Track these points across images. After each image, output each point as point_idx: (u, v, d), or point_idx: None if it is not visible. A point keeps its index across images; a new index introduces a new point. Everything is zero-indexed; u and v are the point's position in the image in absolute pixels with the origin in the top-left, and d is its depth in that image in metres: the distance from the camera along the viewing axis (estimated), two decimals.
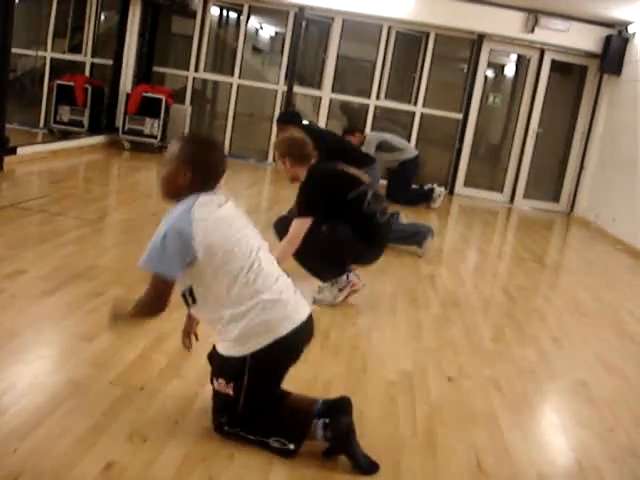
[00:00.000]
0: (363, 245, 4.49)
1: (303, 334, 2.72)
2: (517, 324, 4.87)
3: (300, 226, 4.27)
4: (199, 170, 2.63)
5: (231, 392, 2.62)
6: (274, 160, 4.62)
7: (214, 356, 2.74)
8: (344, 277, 4.51)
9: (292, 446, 2.61)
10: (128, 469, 2.40)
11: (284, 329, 2.61)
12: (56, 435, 2.54)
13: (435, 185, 9.25)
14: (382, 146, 8.59)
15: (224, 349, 2.66)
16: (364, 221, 4.44)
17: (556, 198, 11.15)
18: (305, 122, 6.49)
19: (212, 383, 2.72)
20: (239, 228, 2.66)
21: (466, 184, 11.15)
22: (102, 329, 3.50)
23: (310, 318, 2.76)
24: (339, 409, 2.69)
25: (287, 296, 2.68)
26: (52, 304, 3.87)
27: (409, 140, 10.57)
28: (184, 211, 2.54)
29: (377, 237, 4.57)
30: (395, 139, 9.19)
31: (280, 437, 2.62)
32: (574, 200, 10.87)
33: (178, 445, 2.58)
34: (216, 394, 2.70)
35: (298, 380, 3.29)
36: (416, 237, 6.28)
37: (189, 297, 2.64)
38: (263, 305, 2.58)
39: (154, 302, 2.57)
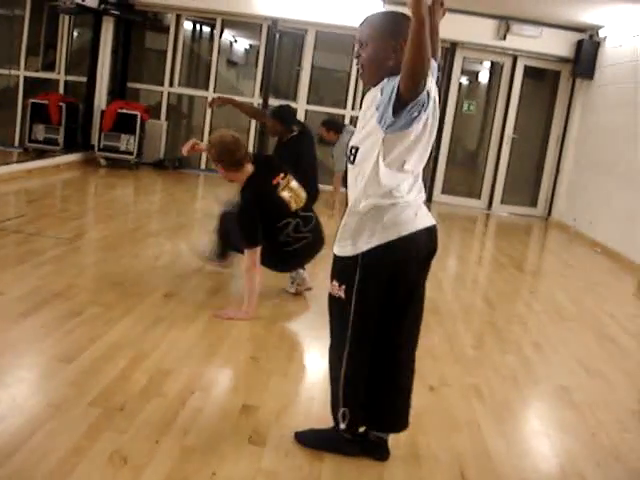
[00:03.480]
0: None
1: (420, 244, 2.64)
2: (498, 331, 4.88)
3: (251, 257, 4.34)
4: (403, 40, 2.38)
5: (343, 295, 2.58)
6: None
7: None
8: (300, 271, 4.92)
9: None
10: None
11: (404, 230, 2.54)
12: (36, 458, 2.51)
13: None
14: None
15: (339, 249, 2.60)
16: (278, 247, 4.58)
17: (533, 203, 11.22)
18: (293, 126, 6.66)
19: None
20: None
21: (443, 191, 11.20)
22: (81, 350, 3.50)
23: (433, 230, 2.70)
24: None
25: (417, 202, 2.64)
26: (30, 326, 3.83)
27: None
28: None
29: (291, 261, 4.82)
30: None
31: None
32: (551, 204, 10.94)
33: (159, 465, 2.56)
34: (330, 300, 2.67)
35: (280, 395, 3.30)
36: None
37: (352, 154, 2.55)
38: (402, 206, 2.55)
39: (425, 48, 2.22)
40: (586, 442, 3.26)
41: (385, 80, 2.45)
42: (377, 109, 2.40)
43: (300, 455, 2.76)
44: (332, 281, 2.63)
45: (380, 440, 2.80)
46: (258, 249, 4.33)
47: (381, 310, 2.62)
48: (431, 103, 2.41)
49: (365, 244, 2.52)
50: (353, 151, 2.55)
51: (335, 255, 2.61)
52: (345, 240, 2.56)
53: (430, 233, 2.66)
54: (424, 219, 2.64)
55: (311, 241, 4.70)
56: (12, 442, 2.59)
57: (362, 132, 2.52)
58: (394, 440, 2.95)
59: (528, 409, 3.75)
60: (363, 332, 2.61)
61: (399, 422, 2.81)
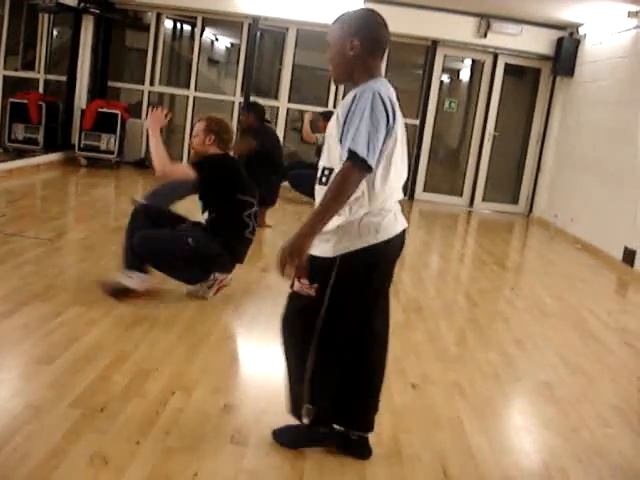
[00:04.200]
0: (228, 257, 4.64)
1: (395, 247, 2.66)
2: (480, 328, 4.89)
3: (178, 167, 4.75)
4: (368, 36, 2.54)
5: (313, 292, 2.54)
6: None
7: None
8: (211, 276, 4.60)
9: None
10: None
11: (385, 235, 2.55)
12: (16, 461, 2.49)
13: None
14: None
15: (316, 249, 2.52)
16: (238, 227, 4.59)
17: (515, 200, 11.26)
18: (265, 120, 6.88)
19: (290, 287, 2.65)
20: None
21: (425, 189, 11.22)
22: (61, 351, 3.47)
23: (406, 231, 2.71)
24: None
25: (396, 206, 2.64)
26: (9, 327, 3.80)
27: None
28: (379, 84, 2.47)
29: (241, 250, 4.72)
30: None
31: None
32: (532, 201, 10.98)
33: (141, 466, 2.54)
34: (293, 297, 2.63)
35: (261, 394, 3.29)
36: None
37: (324, 176, 2.52)
38: (385, 213, 2.55)
39: (347, 188, 2.37)
40: (568, 438, 3.27)
41: (349, 96, 2.47)
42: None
43: (282, 454, 2.75)
44: (299, 279, 2.57)
45: (361, 439, 2.79)
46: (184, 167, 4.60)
47: (353, 311, 2.63)
48: (394, 134, 2.48)
49: (344, 247, 2.51)
50: (327, 172, 2.52)
51: (310, 255, 2.53)
52: (323, 241, 2.52)
53: (404, 234, 2.68)
54: (401, 221, 2.65)
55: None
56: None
57: (334, 153, 2.49)
58: (376, 438, 2.95)
59: (510, 406, 3.76)
60: (333, 331, 2.60)
61: (368, 420, 2.80)
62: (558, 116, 10.56)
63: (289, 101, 11.10)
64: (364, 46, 2.52)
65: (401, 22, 10.17)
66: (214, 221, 4.54)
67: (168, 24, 11.43)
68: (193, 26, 11.15)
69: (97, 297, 4.37)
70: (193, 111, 11.07)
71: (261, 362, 3.75)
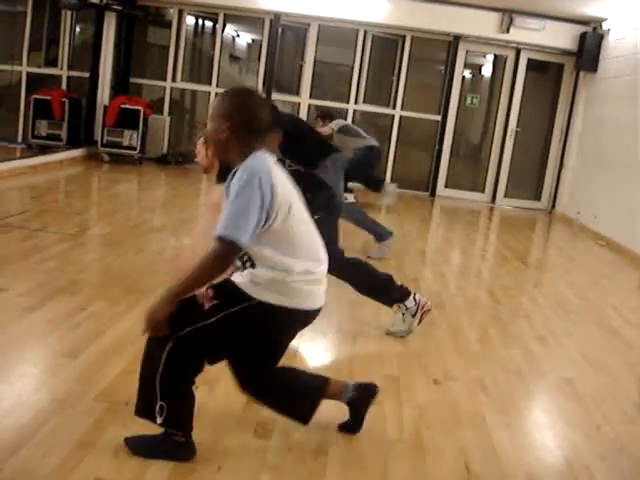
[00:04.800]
0: None
1: (307, 321, 2.68)
2: (502, 324, 4.88)
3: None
4: (240, 121, 2.50)
5: (207, 306, 2.49)
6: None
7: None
8: (411, 300, 4.20)
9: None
10: None
11: (308, 305, 2.57)
12: (42, 454, 2.51)
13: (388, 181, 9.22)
14: (343, 129, 8.43)
15: (242, 281, 2.51)
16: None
17: (537, 196, 11.21)
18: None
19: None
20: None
21: (447, 185, 11.19)
22: (86, 344, 3.51)
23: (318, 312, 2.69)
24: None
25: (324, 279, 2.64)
26: (35, 321, 3.84)
27: (389, 143, 10.64)
28: (259, 160, 2.45)
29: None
30: (358, 128, 9.03)
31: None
32: (555, 198, 10.93)
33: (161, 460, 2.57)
34: (186, 300, 2.50)
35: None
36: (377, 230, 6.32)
37: (247, 262, 2.55)
38: (311, 277, 2.54)
39: (217, 266, 2.42)
40: (590, 434, 3.26)
41: (232, 175, 2.47)
42: None
43: (305, 449, 2.76)
44: (208, 288, 2.52)
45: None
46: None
47: (228, 345, 2.62)
48: (278, 208, 2.42)
49: (261, 294, 2.49)
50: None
51: (234, 280, 2.54)
52: (254, 282, 2.50)
53: (315, 314, 2.66)
54: (320, 300, 2.63)
55: None
56: (17, 437, 2.60)
57: None
58: (398, 433, 2.97)
59: (532, 402, 3.75)
60: (198, 347, 2.53)
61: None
62: (581, 112, 10.49)
63: (310, 97, 11.10)
64: (238, 129, 2.50)
65: (423, 17, 10.21)
66: None
67: (190, 20, 11.47)
68: (215, 22, 11.17)
69: (121, 292, 4.41)
70: None
71: (283, 357, 3.75)
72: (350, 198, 7.77)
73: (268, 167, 2.44)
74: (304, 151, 5.89)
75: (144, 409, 2.57)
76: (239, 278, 2.53)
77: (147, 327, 2.43)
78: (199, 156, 4.55)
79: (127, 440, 2.63)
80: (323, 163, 6.06)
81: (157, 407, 2.50)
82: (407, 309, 4.16)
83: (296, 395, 2.82)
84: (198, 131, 11.48)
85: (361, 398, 2.91)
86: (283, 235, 2.47)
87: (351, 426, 2.93)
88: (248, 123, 2.51)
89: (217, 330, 2.50)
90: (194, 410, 2.63)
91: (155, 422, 2.53)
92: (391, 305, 4.29)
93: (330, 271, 2.70)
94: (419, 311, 4.17)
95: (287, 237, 2.48)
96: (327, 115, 8.16)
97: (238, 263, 2.61)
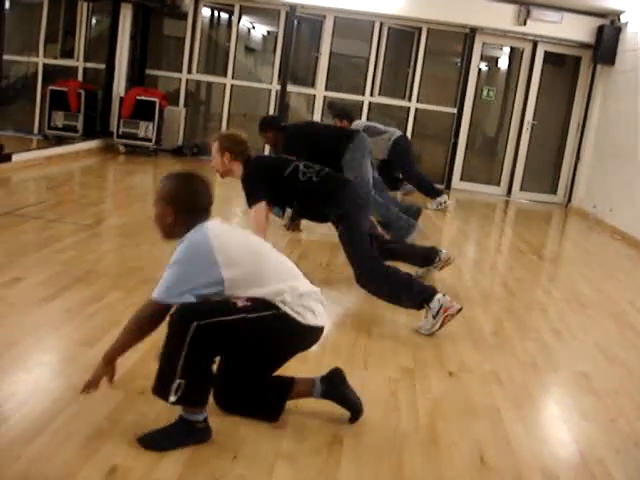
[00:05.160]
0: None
1: (305, 341, 2.86)
2: (517, 317, 4.87)
3: (258, 213, 4.57)
4: (182, 206, 2.71)
5: (240, 304, 2.63)
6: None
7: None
8: (435, 301, 4.15)
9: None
10: (132, 473, 2.40)
11: (309, 321, 2.72)
12: (59, 441, 2.53)
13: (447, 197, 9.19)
14: (368, 130, 8.44)
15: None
16: (308, 187, 4.61)
17: (553, 190, 11.17)
18: (283, 124, 6.70)
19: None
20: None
21: (462, 178, 11.17)
22: (102, 334, 3.52)
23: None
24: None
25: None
26: (51, 310, 3.86)
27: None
28: (199, 234, 2.64)
29: (326, 192, 4.63)
30: (378, 124, 9.02)
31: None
32: (571, 191, 10.87)
33: (181, 447, 2.58)
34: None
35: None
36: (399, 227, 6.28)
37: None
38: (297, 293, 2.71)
39: (148, 323, 2.66)
40: (605, 428, 3.25)
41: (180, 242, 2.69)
42: None
43: (320, 439, 2.77)
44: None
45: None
46: (262, 205, 4.57)
47: (241, 347, 2.72)
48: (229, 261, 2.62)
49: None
50: None
51: None
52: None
53: (317, 334, 2.87)
54: (321, 319, 2.84)
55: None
56: (35, 425, 2.62)
57: None
58: (413, 425, 2.97)
59: (547, 395, 3.75)
60: (216, 339, 2.59)
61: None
62: (598, 105, 10.43)
63: (326, 89, 11.09)
64: (180, 213, 2.70)
65: (440, 9, 10.17)
66: None
67: (206, 12, 11.48)
68: (230, 14, 11.18)
69: (136, 282, 4.43)
70: (230, 99, 11.12)
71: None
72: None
73: (208, 238, 2.62)
74: (326, 147, 5.97)
75: (160, 388, 2.59)
76: None
77: (86, 385, 2.64)
78: (214, 162, 4.63)
79: (140, 440, 2.60)
80: (348, 151, 6.12)
81: (175, 385, 2.52)
82: (430, 309, 4.15)
83: (263, 397, 2.89)
84: (214, 123, 11.53)
85: (333, 386, 2.94)
86: (251, 278, 2.66)
87: (352, 413, 2.94)
88: (191, 208, 2.72)
89: (239, 328, 2.60)
90: (210, 388, 2.68)
91: (167, 401, 2.55)
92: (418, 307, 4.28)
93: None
94: (441, 313, 4.13)
95: (256, 276, 2.67)
96: (344, 114, 8.16)
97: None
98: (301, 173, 4.62)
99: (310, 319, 2.72)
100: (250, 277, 2.65)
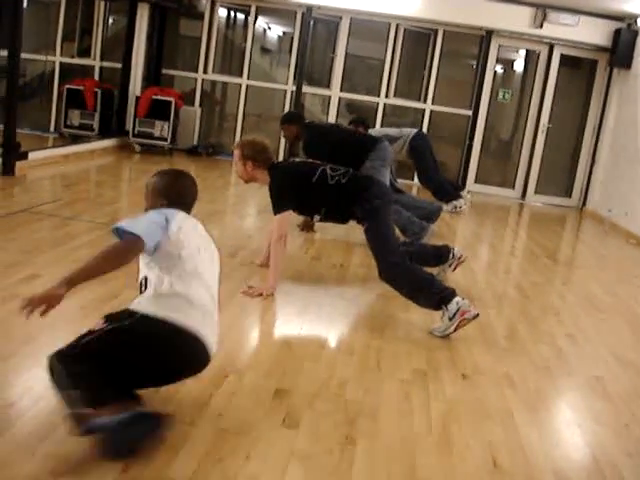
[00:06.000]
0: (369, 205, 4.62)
1: (195, 354, 2.70)
2: (531, 320, 4.86)
3: (282, 222, 4.55)
4: (172, 199, 2.91)
5: (103, 329, 2.61)
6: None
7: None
8: (454, 303, 4.12)
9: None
10: (146, 470, 2.42)
11: (188, 323, 2.64)
12: (74, 437, 2.54)
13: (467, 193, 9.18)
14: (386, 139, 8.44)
15: (137, 305, 2.75)
16: (338, 190, 4.63)
17: (568, 193, 11.13)
18: (307, 121, 6.69)
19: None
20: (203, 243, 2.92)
21: (477, 180, 11.15)
22: None
23: (208, 358, 2.75)
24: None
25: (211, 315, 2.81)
26: (67, 307, 3.83)
27: None
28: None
29: (356, 191, 4.65)
30: (393, 129, 8.99)
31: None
32: (586, 195, 10.84)
33: (194, 446, 2.59)
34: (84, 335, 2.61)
35: (313, 381, 3.32)
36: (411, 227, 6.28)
37: (143, 286, 2.81)
38: (191, 300, 2.70)
39: (121, 254, 2.65)
40: (619, 433, 3.24)
41: None
42: None
43: (333, 440, 2.78)
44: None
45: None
46: (286, 214, 4.55)
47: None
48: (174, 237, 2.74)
49: (151, 311, 2.67)
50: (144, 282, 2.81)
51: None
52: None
53: (205, 351, 2.74)
54: (210, 333, 2.76)
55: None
56: (50, 421, 2.63)
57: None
58: (426, 427, 2.97)
59: (561, 399, 3.74)
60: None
61: None
62: (614, 109, 10.39)
63: (341, 90, 11.10)
64: (170, 206, 2.89)
65: (456, 11, 10.16)
66: None
67: (222, 12, 11.51)
68: (247, 14, 11.20)
69: None
70: (245, 99, 11.15)
71: (312, 348, 3.77)
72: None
73: (177, 212, 2.84)
74: (349, 152, 6.02)
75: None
76: (136, 304, 2.79)
77: (34, 300, 2.43)
78: (237, 170, 4.68)
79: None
80: (369, 159, 6.20)
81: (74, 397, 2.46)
82: (447, 311, 4.14)
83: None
84: (229, 123, 11.55)
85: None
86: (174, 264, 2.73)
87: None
88: (180, 202, 2.93)
89: (109, 345, 2.58)
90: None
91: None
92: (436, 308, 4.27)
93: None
94: (457, 316, 4.12)
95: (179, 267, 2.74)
96: (361, 121, 8.18)
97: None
98: (329, 177, 4.63)
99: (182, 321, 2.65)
100: (175, 263, 2.72)
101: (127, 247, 2.64)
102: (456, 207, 8.77)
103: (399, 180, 8.21)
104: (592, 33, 10.25)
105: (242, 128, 11.17)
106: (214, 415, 2.83)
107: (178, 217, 2.79)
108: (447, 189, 8.91)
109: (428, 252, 5.19)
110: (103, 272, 2.59)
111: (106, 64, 11.26)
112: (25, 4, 7.29)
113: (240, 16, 11.63)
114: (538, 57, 10.89)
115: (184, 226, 2.79)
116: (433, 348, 3.99)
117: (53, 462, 2.39)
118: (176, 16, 11.40)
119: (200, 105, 11.23)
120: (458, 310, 4.09)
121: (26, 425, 2.61)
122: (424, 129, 10.82)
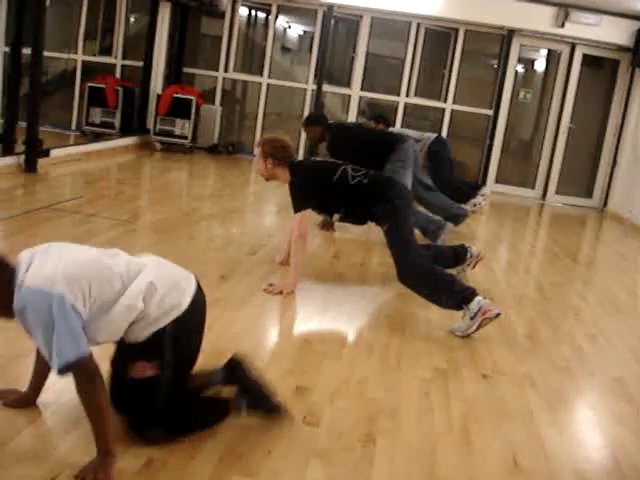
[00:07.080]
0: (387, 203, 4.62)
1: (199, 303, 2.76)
2: (551, 321, 4.85)
3: (302, 221, 4.55)
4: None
5: (154, 371, 2.51)
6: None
7: (122, 354, 2.62)
8: (475, 303, 4.11)
9: None
10: (167, 465, 2.43)
11: (182, 301, 2.64)
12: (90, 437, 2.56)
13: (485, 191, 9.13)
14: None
15: (138, 336, 2.52)
16: (358, 190, 4.63)
17: (589, 194, 11.07)
18: (330, 122, 6.67)
19: (125, 376, 2.56)
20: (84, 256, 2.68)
21: (497, 180, 11.11)
22: None
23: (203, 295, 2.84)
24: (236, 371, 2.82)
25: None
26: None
27: None
28: (37, 292, 2.31)
29: (377, 191, 4.66)
30: (413, 131, 8.96)
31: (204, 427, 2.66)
32: (607, 195, 10.78)
33: (216, 442, 2.60)
34: (130, 387, 2.56)
35: (333, 379, 3.32)
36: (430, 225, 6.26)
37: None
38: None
39: (97, 390, 2.37)
40: (639, 434, 3.23)
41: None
42: None
43: (354, 437, 2.78)
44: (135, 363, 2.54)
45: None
46: (306, 213, 4.56)
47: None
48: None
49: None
50: None
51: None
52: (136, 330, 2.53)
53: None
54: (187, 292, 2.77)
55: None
56: (73, 415, 2.63)
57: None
58: (447, 426, 2.97)
59: (582, 400, 3.73)
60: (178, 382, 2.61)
61: None
62: (636, 109, 10.32)
63: (361, 89, 11.10)
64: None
65: (477, 10, 10.13)
66: None
67: (243, 11, 11.53)
68: (268, 13, 11.22)
69: None
70: (266, 98, 11.17)
71: (332, 346, 3.78)
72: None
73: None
74: (371, 152, 6.04)
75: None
76: (135, 337, 2.54)
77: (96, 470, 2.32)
78: (259, 167, 4.70)
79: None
80: (389, 161, 6.21)
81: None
82: (469, 310, 4.13)
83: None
84: (249, 122, 11.58)
85: (234, 371, 2.83)
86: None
87: (257, 401, 2.79)
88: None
89: (176, 377, 2.59)
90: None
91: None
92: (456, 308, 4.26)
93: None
94: (479, 316, 4.10)
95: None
96: (382, 118, 8.15)
97: None
98: (350, 177, 4.63)
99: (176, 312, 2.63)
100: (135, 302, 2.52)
101: (91, 380, 2.36)
102: (475, 205, 8.73)
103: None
104: (614, 33, 10.19)
105: (262, 127, 11.19)
106: (235, 412, 2.83)
107: (66, 293, 2.31)
108: (463, 191, 8.87)
109: (446, 253, 5.17)
110: (107, 411, 2.39)
111: (127, 62, 11.31)
112: (48, 3, 7.33)
113: (261, 15, 11.65)
114: (560, 57, 10.83)
115: (80, 291, 2.37)
116: (453, 347, 3.99)
117: (75, 456, 2.41)
118: (197, 15, 11.43)
119: (221, 103, 11.27)
120: (480, 309, 4.07)
121: (48, 419, 2.64)
122: (444, 128, 10.83)
